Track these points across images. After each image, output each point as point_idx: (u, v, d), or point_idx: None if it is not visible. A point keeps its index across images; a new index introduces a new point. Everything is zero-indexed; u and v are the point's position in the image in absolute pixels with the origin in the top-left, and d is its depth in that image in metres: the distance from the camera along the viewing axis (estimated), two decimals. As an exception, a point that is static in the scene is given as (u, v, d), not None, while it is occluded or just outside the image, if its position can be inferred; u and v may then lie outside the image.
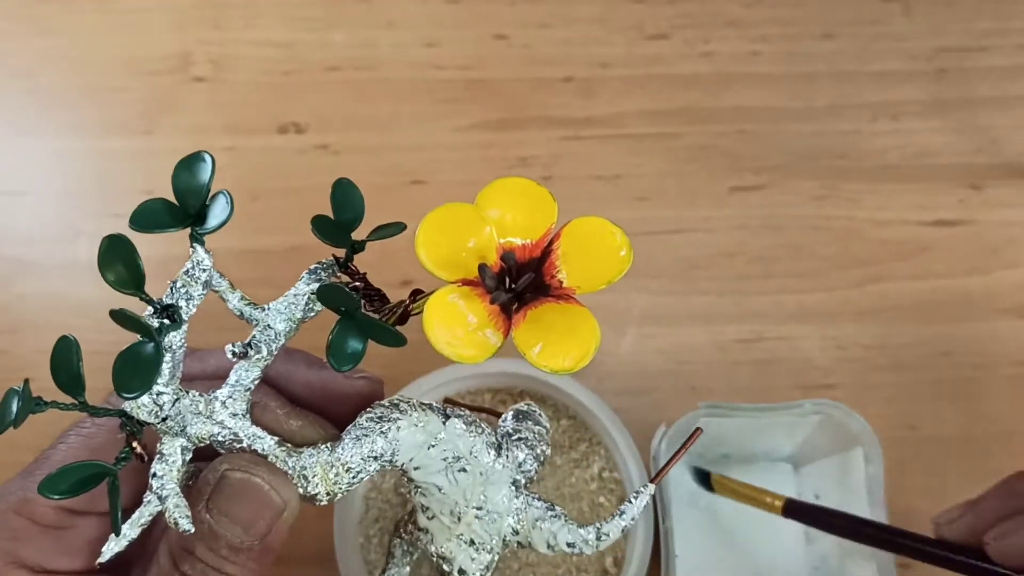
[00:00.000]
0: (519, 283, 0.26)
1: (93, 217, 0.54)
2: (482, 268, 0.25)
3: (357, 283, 0.27)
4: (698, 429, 0.31)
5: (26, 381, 0.23)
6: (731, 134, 0.56)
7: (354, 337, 0.26)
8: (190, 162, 0.25)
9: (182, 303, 0.26)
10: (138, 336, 0.24)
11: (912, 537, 0.38)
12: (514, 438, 0.30)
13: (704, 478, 0.45)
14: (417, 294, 0.27)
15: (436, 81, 0.57)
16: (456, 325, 0.25)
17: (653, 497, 0.42)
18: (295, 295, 0.27)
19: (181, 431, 0.26)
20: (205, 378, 0.29)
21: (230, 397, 0.27)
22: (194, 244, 0.26)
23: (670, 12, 0.58)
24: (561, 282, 0.26)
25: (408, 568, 0.33)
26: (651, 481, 0.31)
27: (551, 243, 0.27)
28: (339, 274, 0.28)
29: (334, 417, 0.30)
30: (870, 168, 0.56)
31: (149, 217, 0.25)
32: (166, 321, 0.25)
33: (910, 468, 0.49)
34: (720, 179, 0.55)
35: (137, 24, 0.58)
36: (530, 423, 0.31)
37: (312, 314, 0.27)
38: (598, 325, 0.25)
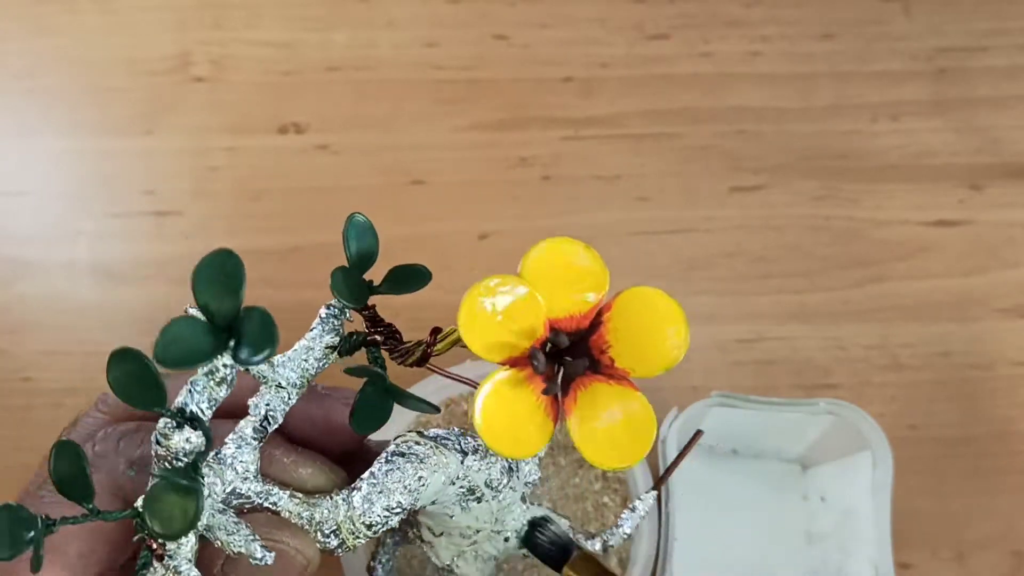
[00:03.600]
0: (572, 369, 0.23)
1: (93, 217, 0.54)
2: (534, 356, 0.23)
3: (376, 334, 0.26)
4: (699, 432, 0.30)
5: (16, 504, 0.22)
6: (731, 134, 0.56)
7: (383, 403, 0.25)
8: (216, 263, 0.21)
9: (203, 408, 0.23)
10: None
11: None
12: None
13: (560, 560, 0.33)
14: (437, 333, 0.25)
15: (436, 81, 0.57)
16: (509, 420, 0.23)
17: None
18: (308, 349, 0.25)
19: (200, 530, 0.25)
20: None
21: (240, 460, 0.25)
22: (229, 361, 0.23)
23: (670, 12, 0.58)
24: (612, 360, 0.24)
25: (396, 556, 0.33)
26: (653, 487, 0.30)
27: (601, 314, 0.24)
28: (351, 316, 0.26)
29: (336, 449, 0.29)
30: (870, 168, 0.56)
31: (181, 348, 0.20)
32: (194, 440, 0.23)
33: (910, 468, 0.49)
34: (720, 179, 0.55)
35: (137, 24, 0.58)
36: None
37: (325, 367, 0.26)
38: (655, 415, 0.23)
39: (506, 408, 0.23)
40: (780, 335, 0.52)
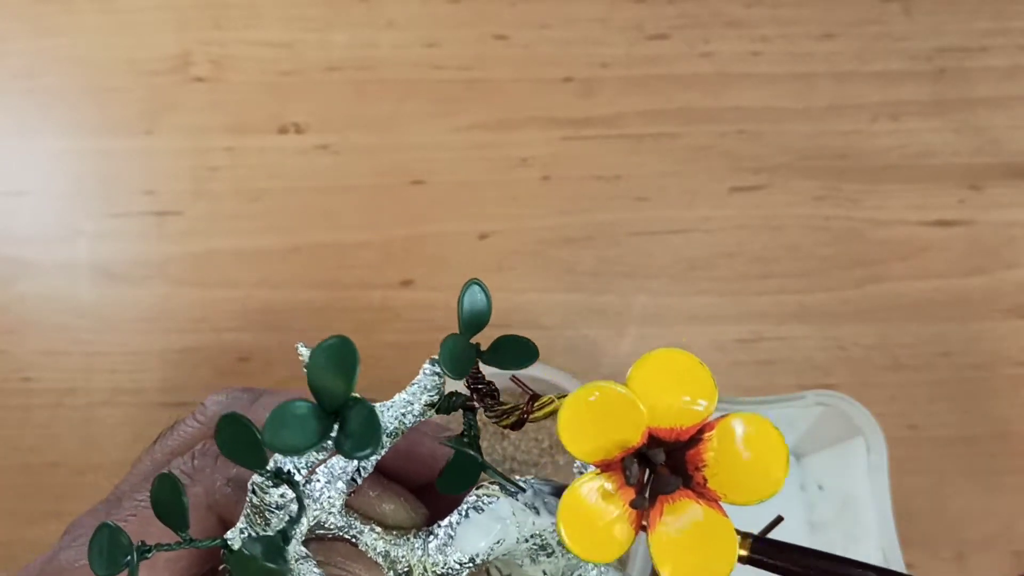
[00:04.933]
0: (665, 487, 0.23)
1: (93, 217, 0.54)
2: (627, 466, 0.23)
3: (475, 392, 0.26)
4: (779, 518, 0.29)
5: (116, 527, 0.22)
6: (731, 134, 0.56)
7: (469, 471, 0.25)
8: (336, 348, 0.21)
9: (299, 469, 0.24)
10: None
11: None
12: None
13: None
14: (534, 400, 0.25)
15: (436, 81, 0.57)
16: (591, 522, 0.23)
17: None
18: (408, 402, 0.26)
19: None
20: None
21: (328, 496, 0.25)
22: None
23: (670, 12, 0.58)
24: (705, 480, 0.24)
25: None
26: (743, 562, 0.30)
27: (702, 431, 0.24)
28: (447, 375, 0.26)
29: (416, 480, 0.29)
30: (870, 168, 0.56)
31: (290, 435, 0.21)
32: (283, 496, 0.23)
33: (910, 468, 0.49)
34: (720, 179, 0.55)
35: (137, 24, 0.58)
36: None
37: (423, 419, 0.26)
38: (737, 546, 0.23)
39: (590, 511, 0.23)
40: (780, 335, 0.52)
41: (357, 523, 0.26)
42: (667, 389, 0.24)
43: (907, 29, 0.58)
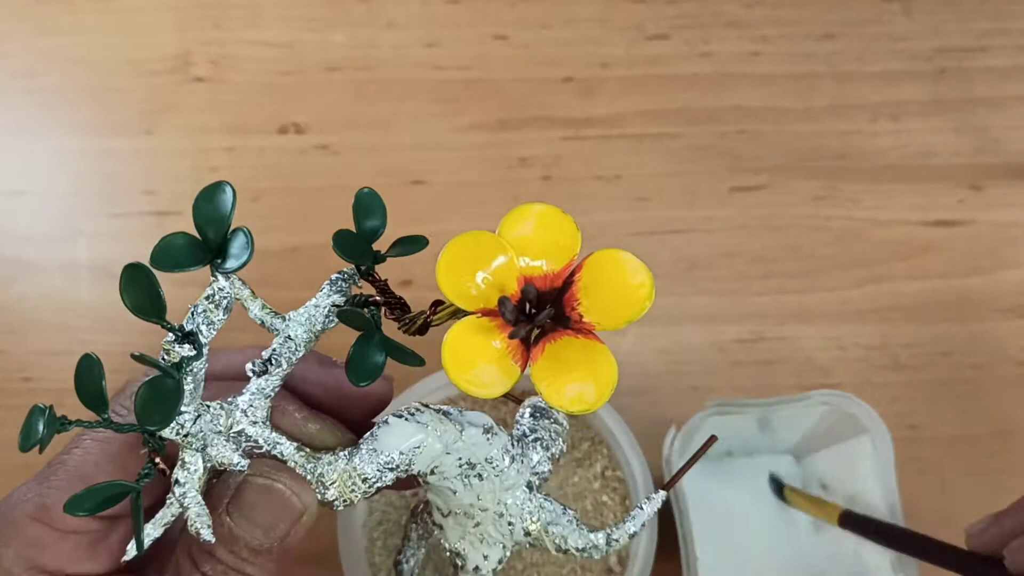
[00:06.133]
0: (539, 318, 0.25)
1: (93, 217, 0.54)
2: (502, 302, 0.25)
3: (378, 298, 0.27)
4: (713, 437, 0.31)
5: (51, 407, 0.24)
6: (731, 134, 0.56)
7: (374, 354, 0.26)
8: (211, 193, 0.25)
9: (203, 328, 0.26)
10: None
11: (956, 551, 0.38)
12: (530, 439, 0.30)
13: (779, 489, 0.47)
14: (437, 305, 0.27)
15: (436, 81, 0.57)
16: (474, 359, 0.25)
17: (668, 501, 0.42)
18: (315, 306, 0.27)
19: (202, 448, 0.26)
20: (215, 378, 0.29)
21: (251, 405, 0.27)
22: (216, 273, 0.26)
23: (670, 12, 0.58)
24: (581, 316, 0.26)
25: (423, 551, 0.34)
26: (663, 488, 0.31)
27: (573, 274, 0.26)
28: (360, 283, 0.28)
29: (348, 418, 0.30)
30: (870, 168, 0.56)
31: (170, 255, 0.25)
32: (187, 351, 0.25)
33: (910, 468, 0.49)
34: (720, 179, 0.55)
35: (137, 24, 0.58)
36: (547, 421, 0.31)
37: (332, 325, 0.28)
38: (617, 365, 0.25)
39: (473, 347, 0.25)
40: (780, 335, 0.52)
41: (283, 440, 0.27)
42: (534, 235, 0.26)
43: (907, 29, 0.58)
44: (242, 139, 0.55)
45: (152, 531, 0.26)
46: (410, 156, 0.55)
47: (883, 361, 0.52)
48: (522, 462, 0.29)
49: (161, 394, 0.24)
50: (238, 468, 0.27)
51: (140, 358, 0.24)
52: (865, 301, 0.53)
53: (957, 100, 0.57)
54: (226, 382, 0.29)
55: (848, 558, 0.45)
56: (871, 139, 0.56)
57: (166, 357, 0.26)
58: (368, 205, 0.27)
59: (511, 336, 0.25)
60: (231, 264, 0.25)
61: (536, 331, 0.25)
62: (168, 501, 0.26)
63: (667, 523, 0.43)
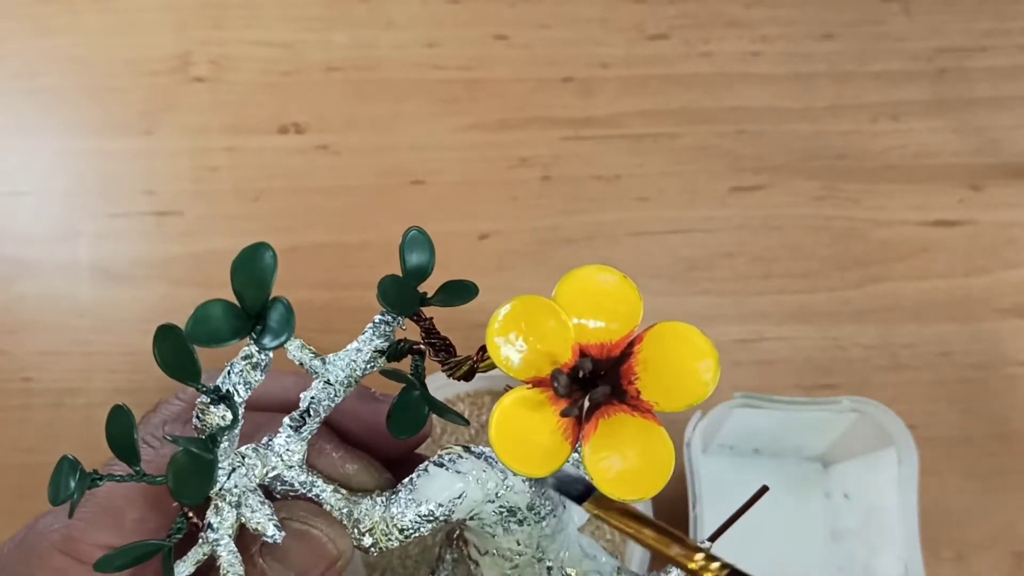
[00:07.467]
0: (595, 394, 0.23)
1: (93, 217, 0.54)
2: (556, 376, 0.23)
3: (430, 346, 0.26)
4: (764, 487, 0.29)
5: (80, 464, 0.23)
6: (731, 134, 0.56)
7: (417, 409, 0.25)
8: (250, 256, 0.24)
9: (239, 389, 0.25)
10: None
11: None
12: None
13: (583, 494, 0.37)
14: (484, 351, 0.25)
15: (436, 81, 0.57)
16: (524, 438, 0.23)
17: (683, 483, 0.42)
18: (357, 350, 0.26)
19: (236, 505, 0.26)
20: (252, 408, 0.27)
21: (287, 449, 0.26)
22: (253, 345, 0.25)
23: (670, 12, 0.58)
24: (639, 392, 0.24)
25: None
26: (710, 539, 0.29)
27: (632, 344, 0.24)
28: (403, 325, 0.27)
29: (385, 455, 0.30)
30: (870, 168, 0.56)
31: (207, 327, 0.23)
32: (222, 419, 0.24)
33: (910, 468, 0.49)
34: (720, 179, 0.55)
35: (137, 24, 0.58)
36: None
37: (372, 370, 0.27)
38: (674, 451, 0.23)
39: (522, 424, 0.23)
40: (780, 335, 0.52)
41: (320, 482, 0.27)
42: (594, 305, 0.24)
43: (907, 29, 0.58)
44: (242, 139, 0.55)
45: (184, 569, 0.25)
46: (410, 156, 0.55)
47: (883, 361, 0.52)
48: (564, 506, 0.28)
49: (196, 467, 0.23)
50: (272, 541, 0.25)
51: (175, 440, 0.23)
52: (865, 301, 0.53)
53: (957, 100, 0.57)
54: (262, 413, 0.28)
55: (859, 569, 0.45)
56: (871, 139, 0.56)
57: (200, 416, 0.25)
58: (417, 245, 0.26)
59: (563, 414, 0.23)
60: (270, 342, 0.24)
61: (587, 404, 0.24)
62: (200, 540, 0.26)
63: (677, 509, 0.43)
